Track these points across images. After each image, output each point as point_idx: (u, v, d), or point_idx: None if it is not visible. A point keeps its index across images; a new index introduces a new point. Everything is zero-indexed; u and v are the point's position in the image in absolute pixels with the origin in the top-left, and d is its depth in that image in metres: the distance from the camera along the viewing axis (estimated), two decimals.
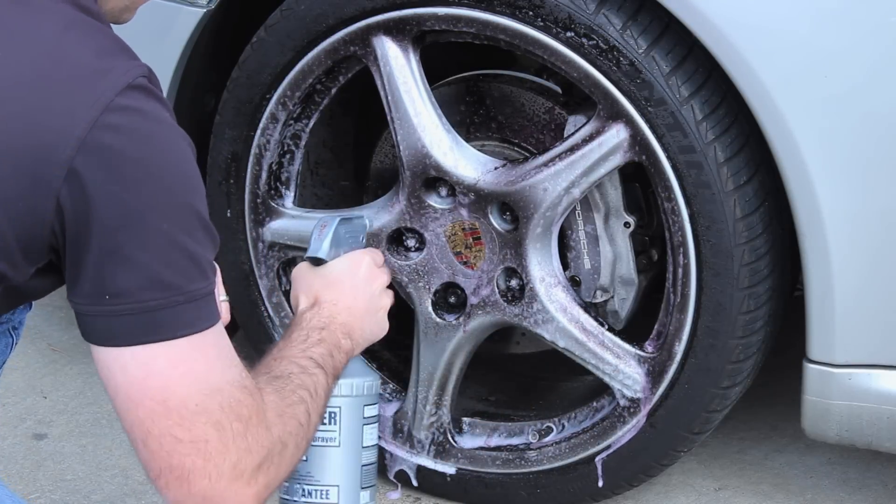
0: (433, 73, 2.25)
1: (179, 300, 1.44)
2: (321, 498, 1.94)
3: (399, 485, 2.45)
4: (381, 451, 2.43)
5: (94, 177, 1.40)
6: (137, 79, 1.45)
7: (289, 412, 1.62)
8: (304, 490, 1.95)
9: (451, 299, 2.32)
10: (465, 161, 2.22)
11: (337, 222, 2.07)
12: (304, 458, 1.91)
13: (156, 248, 1.43)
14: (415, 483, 2.42)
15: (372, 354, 2.39)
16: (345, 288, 1.95)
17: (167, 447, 1.49)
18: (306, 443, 1.66)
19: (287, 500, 1.97)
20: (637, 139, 2.08)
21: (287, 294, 2.44)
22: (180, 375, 1.47)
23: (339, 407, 1.97)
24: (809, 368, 2.11)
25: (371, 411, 2.03)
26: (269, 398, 1.59)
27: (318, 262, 2.04)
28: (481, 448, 2.36)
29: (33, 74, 1.43)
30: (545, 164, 2.16)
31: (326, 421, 1.91)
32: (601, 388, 2.31)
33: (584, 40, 2.05)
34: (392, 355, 2.49)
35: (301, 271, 1.99)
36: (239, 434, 1.50)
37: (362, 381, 2.01)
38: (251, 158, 2.34)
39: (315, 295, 1.91)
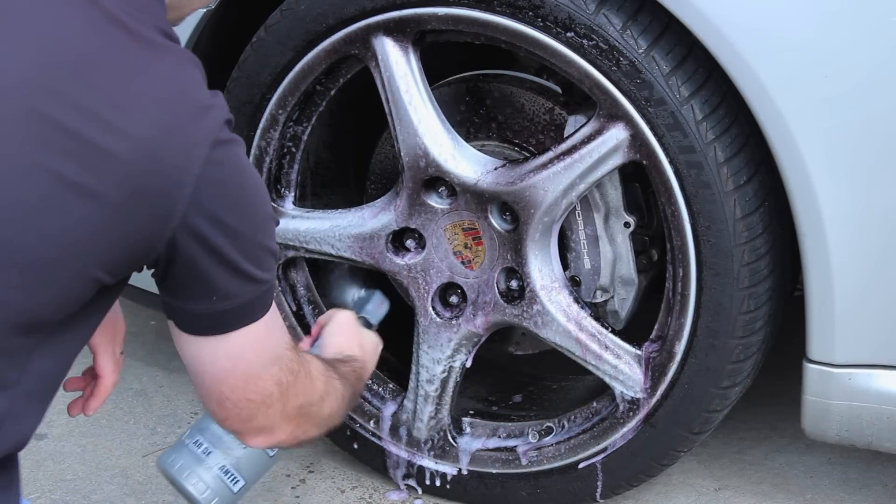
0: (433, 73, 2.25)
1: (265, 288, 1.68)
2: (231, 482, 2.12)
3: (399, 485, 2.45)
4: (382, 451, 2.43)
5: (206, 207, 1.57)
6: (228, 113, 1.61)
7: (331, 377, 1.91)
8: (225, 470, 2.13)
9: (451, 299, 2.32)
10: (465, 161, 2.22)
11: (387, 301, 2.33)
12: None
13: (255, 256, 1.64)
14: (415, 483, 2.43)
15: None
16: (370, 355, 2.18)
17: (241, 405, 1.75)
18: (339, 417, 1.93)
19: (187, 441, 2.14)
20: (637, 139, 2.08)
21: (286, 294, 2.44)
22: (258, 355, 1.72)
23: None
24: (809, 368, 2.11)
25: None
26: (312, 361, 1.88)
27: (367, 323, 2.26)
28: (481, 449, 2.37)
29: (163, 115, 1.54)
30: (545, 165, 2.16)
31: None
32: (601, 389, 2.31)
33: (584, 40, 2.05)
34: (392, 355, 2.49)
35: (353, 322, 2.20)
36: (292, 383, 1.78)
37: None
38: (251, 160, 2.34)
39: (360, 349, 2.14)
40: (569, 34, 2.05)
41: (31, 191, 1.49)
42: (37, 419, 1.65)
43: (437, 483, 2.40)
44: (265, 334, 1.71)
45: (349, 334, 2.16)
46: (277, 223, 1.72)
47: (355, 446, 2.46)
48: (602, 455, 2.29)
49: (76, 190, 1.49)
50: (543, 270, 2.23)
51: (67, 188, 1.49)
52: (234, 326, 1.67)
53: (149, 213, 1.54)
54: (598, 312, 2.28)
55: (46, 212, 1.49)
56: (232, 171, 1.59)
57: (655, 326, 2.23)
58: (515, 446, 2.35)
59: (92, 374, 1.95)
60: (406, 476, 2.43)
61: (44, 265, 1.51)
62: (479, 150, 2.24)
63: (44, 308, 1.53)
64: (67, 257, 1.51)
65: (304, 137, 2.36)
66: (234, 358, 1.71)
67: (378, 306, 2.31)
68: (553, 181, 2.15)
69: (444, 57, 2.36)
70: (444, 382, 2.34)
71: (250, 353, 1.71)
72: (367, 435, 2.44)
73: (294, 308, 2.45)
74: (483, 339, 2.33)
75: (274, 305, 1.72)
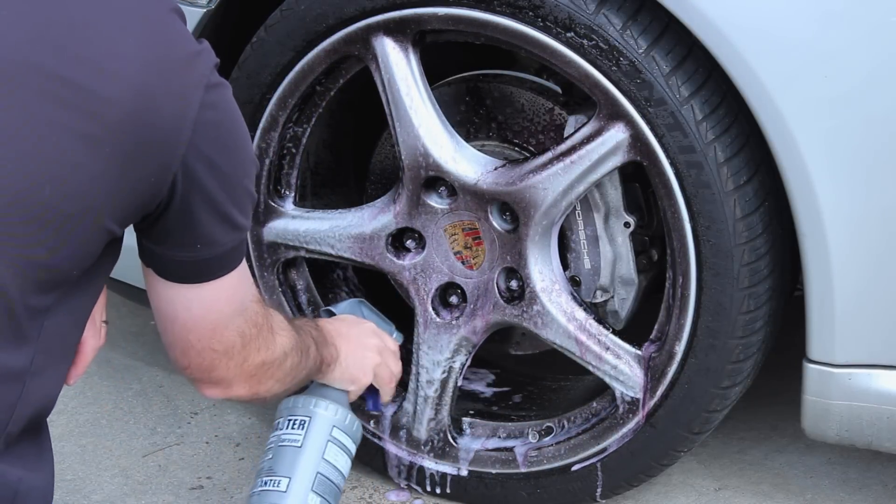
0: (433, 73, 2.25)
1: (243, 236, 1.71)
2: (273, 487, 2.13)
3: (399, 485, 2.45)
4: (382, 451, 2.43)
5: (202, 151, 1.59)
6: (216, 57, 1.64)
7: (290, 333, 1.94)
8: (263, 481, 2.15)
9: (451, 299, 2.32)
10: (465, 161, 2.22)
11: (353, 300, 2.37)
12: (271, 455, 2.16)
13: (240, 201, 1.67)
14: (415, 483, 2.43)
15: None
16: (342, 323, 2.23)
17: (204, 355, 1.78)
18: (293, 375, 1.96)
19: (251, 493, 2.17)
20: (637, 139, 2.08)
21: (286, 294, 2.44)
22: (229, 304, 1.76)
23: (310, 417, 2.17)
24: (809, 368, 2.11)
25: (341, 437, 2.19)
26: (275, 315, 1.90)
27: (329, 313, 2.31)
28: (481, 449, 2.37)
29: (151, 56, 1.57)
30: (545, 165, 2.15)
31: (296, 426, 2.16)
32: (601, 389, 2.31)
33: (584, 40, 2.05)
34: None
35: (358, 320, 2.26)
36: (254, 337, 1.82)
37: (338, 408, 2.19)
38: None
39: (345, 342, 2.18)
40: (569, 34, 2.05)
41: (43, 144, 1.51)
42: (59, 380, 1.68)
43: (438, 483, 2.40)
44: (238, 283, 1.74)
45: (346, 325, 2.18)
46: (258, 168, 1.74)
47: None
48: (602, 455, 2.29)
49: (84, 140, 1.52)
50: (543, 271, 2.23)
51: (76, 139, 1.52)
52: (214, 275, 1.70)
53: (152, 158, 1.57)
54: (598, 312, 2.28)
55: (59, 164, 1.52)
56: (225, 114, 1.62)
57: (655, 326, 2.22)
58: (515, 447, 2.35)
59: None
60: (406, 476, 2.43)
61: (63, 218, 1.53)
62: (479, 150, 2.24)
63: (64, 263, 1.56)
64: (83, 209, 1.54)
65: (304, 138, 2.36)
66: (207, 307, 1.73)
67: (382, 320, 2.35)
68: (553, 181, 2.15)
69: (444, 57, 2.36)
70: (444, 383, 2.34)
71: (223, 302, 1.74)
72: (367, 435, 2.43)
73: (294, 309, 2.44)
74: (483, 340, 2.33)
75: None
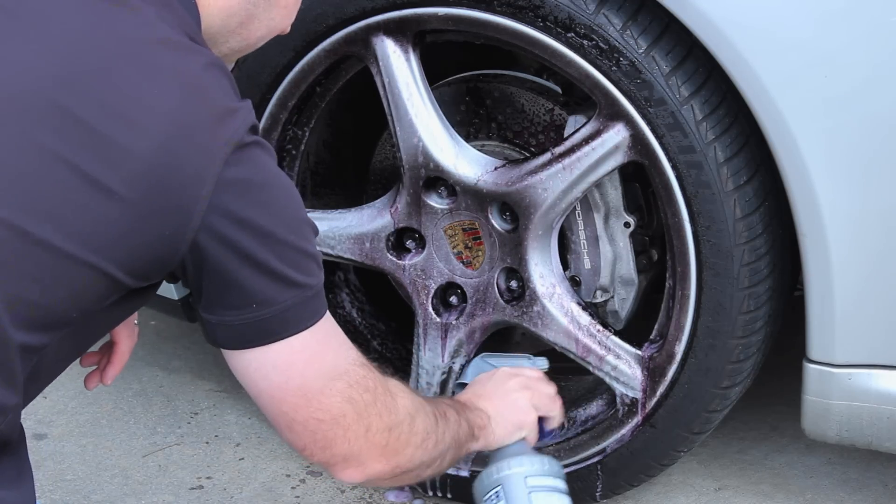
0: (433, 73, 2.25)
1: (309, 294, 1.63)
2: None
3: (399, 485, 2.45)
4: None
5: (230, 209, 1.55)
6: (254, 119, 1.60)
7: (413, 396, 1.84)
8: None
9: (451, 299, 2.32)
10: (465, 161, 2.22)
11: (474, 359, 2.29)
12: None
13: (290, 258, 1.61)
14: (415, 483, 2.43)
15: (372, 352, 2.39)
16: (476, 386, 2.11)
17: (311, 428, 1.69)
18: (436, 439, 1.84)
19: None
20: (637, 139, 2.08)
21: None
22: (313, 369, 1.67)
23: (501, 484, 2.05)
24: (809, 368, 2.11)
25: (541, 481, 2.05)
26: (390, 380, 1.80)
27: (462, 387, 2.20)
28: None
29: (179, 111, 1.54)
30: (545, 165, 2.16)
31: (495, 499, 2.04)
32: (601, 389, 2.31)
33: (584, 41, 2.05)
34: (392, 354, 2.49)
35: (506, 375, 2.12)
36: (369, 403, 1.72)
37: (521, 459, 2.06)
38: None
39: (493, 406, 2.06)
40: (569, 34, 2.05)
41: (49, 182, 1.49)
42: (37, 393, 1.64)
43: (438, 483, 2.40)
44: (317, 345, 1.67)
45: (479, 386, 2.08)
46: (316, 232, 1.69)
47: None
48: (602, 455, 2.29)
49: (93, 185, 1.50)
50: (543, 271, 2.23)
51: (85, 182, 1.50)
52: (279, 335, 1.63)
53: (167, 212, 1.53)
54: (599, 313, 2.28)
55: (63, 204, 1.50)
56: (255, 172, 1.57)
57: (655, 326, 2.23)
58: None
59: (107, 346, 1.93)
60: None
61: (59, 259, 1.50)
62: (479, 150, 2.24)
63: (59, 305, 1.52)
64: (83, 253, 1.51)
65: (304, 138, 2.36)
66: (285, 372, 1.66)
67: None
68: (553, 181, 2.15)
69: (444, 57, 2.36)
70: (444, 384, 2.34)
71: (302, 364, 1.66)
72: None
73: None
74: (483, 340, 2.33)
75: (331, 319, 1.68)
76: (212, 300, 1.61)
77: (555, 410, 2.13)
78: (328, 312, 1.68)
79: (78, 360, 1.88)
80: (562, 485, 2.07)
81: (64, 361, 1.67)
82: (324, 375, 1.68)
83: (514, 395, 2.07)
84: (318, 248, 1.68)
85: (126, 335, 1.91)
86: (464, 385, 2.18)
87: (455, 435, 1.90)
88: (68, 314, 1.54)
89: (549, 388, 2.13)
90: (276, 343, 1.63)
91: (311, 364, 1.67)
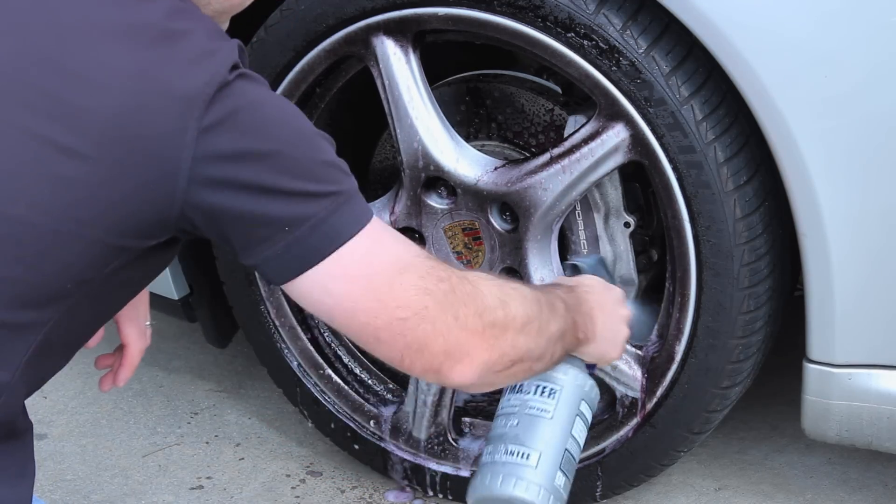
0: (433, 73, 2.25)
1: (341, 201, 1.56)
2: (521, 459, 1.94)
3: (399, 485, 2.45)
4: (382, 451, 2.43)
5: (220, 148, 1.50)
6: (236, 57, 1.54)
7: (503, 282, 1.73)
8: (507, 449, 1.96)
9: None
10: (465, 161, 2.22)
11: (598, 257, 2.21)
12: (516, 422, 1.96)
13: (305, 171, 1.54)
14: (415, 484, 2.43)
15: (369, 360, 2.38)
16: (599, 290, 1.98)
17: (398, 330, 1.60)
18: (538, 325, 1.74)
19: (488, 459, 1.98)
20: (637, 139, 2.08)
21: (286, 296, 2.44)
22: (374, 267, 1.59)
23: (561, 387, 1.98)
24: (809, 368, 2.11)
25: (586, 410, 2.01)
26: (469, 271, 1.71)
27: (577, 269, 2.12)
28: (482, 449, 2.37)
29: (144, 62, 1.50)
30: (545, 164, 2.16)
31: (546, 394, 1.96)
32: (601, 389, 2.30)
33: (585, 41, 2.05)
34: None
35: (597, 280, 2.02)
36: (448, 291, 1.62)
37: (586, 378, 2.00)
38: None
39: (575, 282, 1.96)
40: (569, 34, 2.05)
41: (18, 157, 1.47)
42: (42, 380, 1.61)
43: (438, 483, 2.40)
44: (371, 243, 1.58)
45: (599, 293, 1.95)
46: (332, 143, 1.61)
47: (356, 447, 2.46)
48: (602, 455, 2.29)
49: (64, 152, 1.47)
50: (543, 271, 2.23)
51: (56, 152, 1.47)
52: (325, 252, 1.55)
53: (149, 166, 1.49)
54: None
55: (38, 179, 1.47)
56: (240, 99, 1.52)
57: (655, 326, 2.22)
58: None
59: (119, 349, 1.91)
60: (406, 476, 2.43)
61: (40, 235, 1.48)
62: (479, 150, 2.24)
63: (49, 279, 1.50)
64: (64, 224, 1.48)
65: None
66: (345, 280, 1.57)
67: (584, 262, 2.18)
68: (553, 181, 2.15)
69: (444, 57, 2.36)
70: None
71: (360, 267, 1.57)
72: (367, 435, 2.43)
73: (294, 310, 2.44)
74: None
75: (378, 220, 1.61)
76: (242, 243, 1.56)
77: (619, 358, 2.06)
78: (374, 215, 1.61)
79: (94, 364, 1.88)
80: (590, 417, 2.03)
81: (85, 333, 1.63)
82: (389, 271, 1.59)
83: (620, 327, 1.99)
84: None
85: (137, 337, 1.90)
86: (576, 268, 2.09)
87: (562, 327, 1.80)
88: (62, 287, 1.51)
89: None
90: (325, 260, 1.56)
91: (370, 263, 1.59)
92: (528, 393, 1.96)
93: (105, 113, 1.48)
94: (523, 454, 1.93)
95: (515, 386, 1.97)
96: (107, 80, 1.49)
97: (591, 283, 1.96)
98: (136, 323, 1.89)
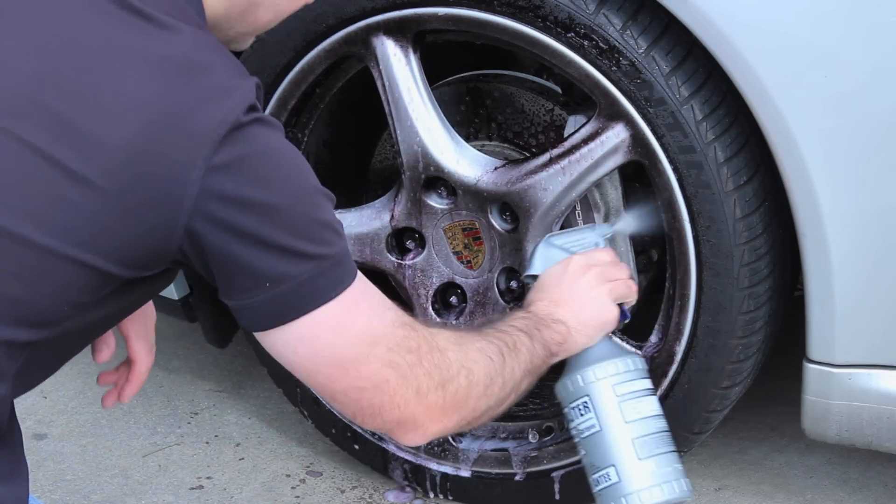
0: (433, 73, 2.25)
1: (327, 265, 1.56)
2: (606, 481, 2.00)
3: (399, 485, 2.45)
4: (382, 451, 2.43)
5: (225, 191, 1.50)
6: (254, 98, 1.55)
7: (468, 343, 1.75)
8: (594, 480, 2.02)
9: (451, 299, 2.32)
10: (465, 161, 2.22)
11: (539, 243, 2.14)
12: (583, 451, 2.02)
13: (301, 229, 1.54)
14: (415, 484, 2.43)
15: None
16: (550, 287, 2.01)
17: (354, 397, 1.63)
18: (502, 381, 1.77)
19: (594, 493, 2.03)
20: (637, 139, 2.08)
21: None
22: (344, 338, 1.60)
23: (588, 395, 2.01)
24: (809, 368, 2.11)
25: (628, 387, 2.01)
26: (439, 333, 1.72)
27: (533, 279, 2.10)
28: (482, 449, 2.36)
29: (162, 95, 1.49)
30: (545, 164, 2.16)
31: (583, 411, 2.00)
32: None
33: (585, 41, 2.05)
34: None
35: (581, 269, 2.04)
36: (414, 363, 1.64)
37: (606, 364, 2.01)
38: None
39: (530, 298, 1.99)
40: (569, 34, 2.05)
41: (28, 178, 1.47)
42: (33, 383, 1.62)
43: (438, 483, 2.40)
44: (345, 314, 1.58)
45: (553, 287, 1.97)
46: (332, 199, 1.62)
47: (356, 446, 2.46)
48: None
49: (72, 177, 1.47)
50: None
51: (64, 175, 1.47)
52: (300, 311, 1.56)
53: (154, 201, 1.50)
54: None
55: (43, 199, 1.47)
56: (251, 146, 1.52)
57: (655, 326, 2.22)
58: (516, 447, 2.35)
59: (126, 364, 1.90)
60: (406, 477, 2.43)
61: (40, 255, 1.48)
62: (479, 150, 2.24)
63: (45, 300, 1.50)
64: (65, 247, 1.48)
65: (305, 138, 2.36)
66: (311, 343, 1.59)
67: (528, 258, 2.14)
68: (553, 181, 2.15)
69: (444, 57, 2.36)
70: None
71: (329, 335, 1.59)
72: (367, 435, 2.43)
73: None
74: None
75: (362, 282, 1.61)
76: (225, 285, 1.57)
77: (633, 294, 2.06)
78: (358, 277, 1.61)
79: (97, 378, 1.88)
80: (647, 384, 2.04)
81: (76, 348, 1.64)
82: (357, 343, 1.61)
83: (593, 294, 1.99)
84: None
85: (144, 354, 1.89)
86: (533, 277, 2.09)
87: (527, 366, 1.83)
88: (59, 309, 1.51)
89: (624, 272, 2.06)
90: (299, 319, 1.57)
91: (341, 334, 1.60)
92: (573, 420, 2.03)
93: (116, 142, 1.48)
94: (605, 476, 2.00)
95: (565, 413, 2.04)
96: (121, 109, 1.49)
97: (546, 284, 1.99)
98: (145, 339, 1.89)
